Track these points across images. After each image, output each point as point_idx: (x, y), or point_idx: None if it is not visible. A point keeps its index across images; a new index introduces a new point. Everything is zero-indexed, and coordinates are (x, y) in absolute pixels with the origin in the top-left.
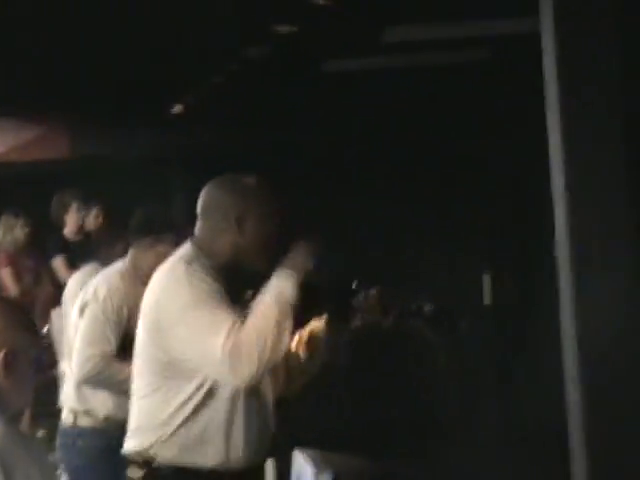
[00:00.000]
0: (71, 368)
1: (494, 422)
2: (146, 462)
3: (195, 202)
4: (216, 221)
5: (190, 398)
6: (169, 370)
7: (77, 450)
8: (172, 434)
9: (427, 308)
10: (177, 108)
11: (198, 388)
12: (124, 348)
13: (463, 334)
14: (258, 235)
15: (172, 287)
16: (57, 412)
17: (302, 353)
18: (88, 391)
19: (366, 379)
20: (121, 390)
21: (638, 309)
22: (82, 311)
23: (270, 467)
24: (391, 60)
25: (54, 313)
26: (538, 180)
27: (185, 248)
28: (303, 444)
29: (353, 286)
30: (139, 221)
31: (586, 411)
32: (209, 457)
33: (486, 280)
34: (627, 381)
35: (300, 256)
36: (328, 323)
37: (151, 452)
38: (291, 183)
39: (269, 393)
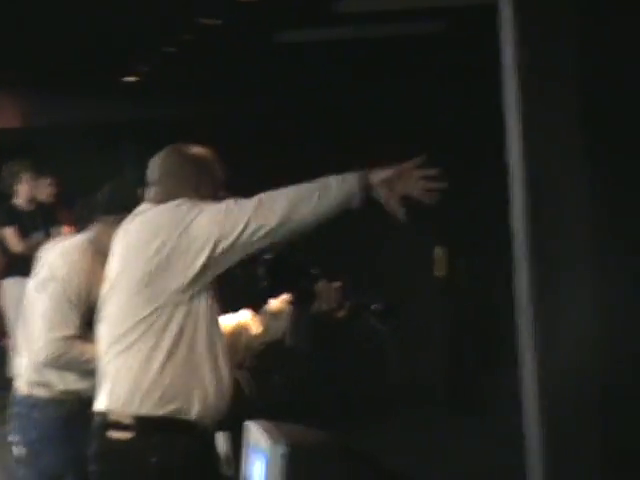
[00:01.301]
0: (28, 343)
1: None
2: (131, 423)
3: (145, 171)
4: (172, 187)
5: (175, 345)
6: (159, 307)
7: (33, 421)
8: (153, 386)
9: (374, 306)
10: (130, 77)
11: (173, 336)
12: (87, 324)
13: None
14: (211, 200)
15: (175, 211)
16: (6, 384)
17: (256, 328)
18: (46, 369)
19: (321, 361)
20: (84, 370)
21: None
22: (41, 289)
23: (221, 439)
24: (344, 32)
25: (5, 283)
26: (492, 152)
27: (144, 205)
28: (253, 417)
29: (313, 271)
30: (106, 197)
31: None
32: (194, 407)
33: (438, 252)
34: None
35: (384, 174)
36: (293, 301)
37: (137, 409)
38: (242, 154)
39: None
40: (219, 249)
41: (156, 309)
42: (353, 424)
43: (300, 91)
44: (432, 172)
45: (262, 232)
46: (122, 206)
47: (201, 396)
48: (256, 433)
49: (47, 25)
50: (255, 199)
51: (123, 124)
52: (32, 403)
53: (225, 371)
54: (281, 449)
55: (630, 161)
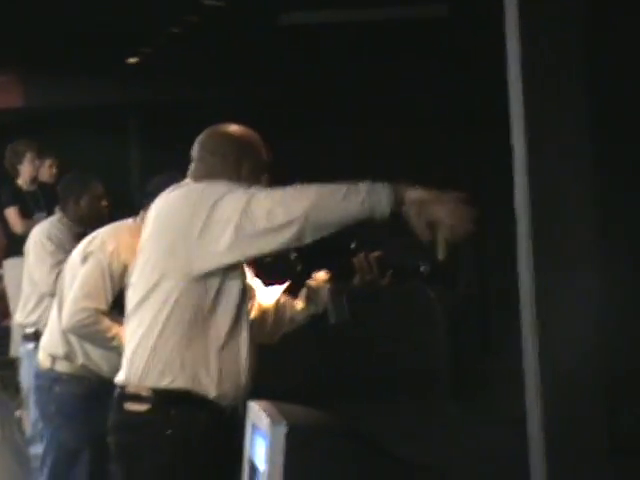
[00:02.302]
0: (60, 315)
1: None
2: (148, 395)
3: (150, 152)
4: (213, 164)
5: (193, 322)
6: (180, 283)
7: (54, 395)
8: (176, 362)
9: (423, 269)
10: (133, 58)
11: (196, 314)
12: (116, 305)
13: (462, 292)
14: (252, 181)
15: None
16: (7, 363)
17: (300, 302)
18: (73, 338)
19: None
20: (106, 347)
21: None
22: (85, 259)
23: None
24: (347, 14)
25: (7, 263)
26: (496, 140)
27: (184, 182)
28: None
29: (352, 246)
30: (155, 187)
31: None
32: (210, 387)
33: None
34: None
35: (419, 189)
36: (329, 279)
37: (154, 382)
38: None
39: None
40: (241, 234)
41: (174, 284)
42: (354, 406)
43: (303, 74)
44: (473, 211)
45: (285, 222)
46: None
47: (215, 376)
48: (257, 413)
49: (51, 6)
50: (280, 190)
51: (126, 105)
52: (54, 377)
53: (243, 356)
54: (282, 429)
55: (636, 161)
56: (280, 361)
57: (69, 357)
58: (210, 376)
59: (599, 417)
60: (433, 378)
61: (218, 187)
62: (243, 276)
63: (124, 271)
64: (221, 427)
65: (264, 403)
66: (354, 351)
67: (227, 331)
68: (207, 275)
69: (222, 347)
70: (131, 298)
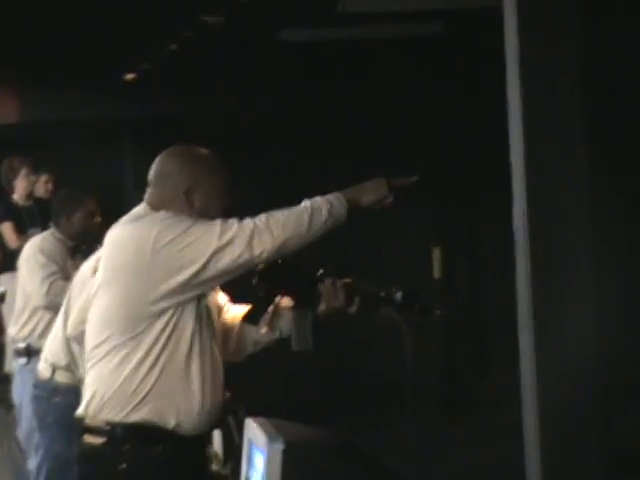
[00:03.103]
0: (66, 324)
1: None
2: (104, 428)
3: (147, 170)
4: (165, 190)
5: (147, 355)
6: (137, 321)
7: (53, 406)
8: (131, 395)
9: (397, 296)
10: (131, 74)
11: (152, 346)
12: None
13: (437, 319)
14: (205, 209)
15: (159, 224)
16: (1, 378)
17: (263, 327)
18: (75, 348)
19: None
20: None
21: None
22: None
23: (217, 436)
24: (345, 31)
25: (1, 278)
26: (490, 154)
27: (142, 210)
28: (252, 413)
29: (319, 272)
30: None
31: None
32: (168, 418)
33: (436, 254)
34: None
35: (369, 188)
36: (293, 306)
37: (110, 415)
38: (243, 153)
39: (220, 359)
40: (204, 275)
41: (133, 321)
42: (349, 422)
43: (302, 90)
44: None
45: (251, 262)
46: None
47: (175, 407)
48: (255, 430)
49: (49, 21)
50: (248, 229)
51: (123, 121)
52: (53, 387)
53: (205, 385)
54: (279, 446)
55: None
56: (264, 376)
57: (69, 368)
58: (169, 407)
59: (594, 430)
60: (427, 394)
61: (175, 222)
62: (199, 305)
63: None
64: (182, 457)
65: (261, 420)
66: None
67: (184, 362)
68: (163, 313)
69: (180, 378)
70: (89, 333)
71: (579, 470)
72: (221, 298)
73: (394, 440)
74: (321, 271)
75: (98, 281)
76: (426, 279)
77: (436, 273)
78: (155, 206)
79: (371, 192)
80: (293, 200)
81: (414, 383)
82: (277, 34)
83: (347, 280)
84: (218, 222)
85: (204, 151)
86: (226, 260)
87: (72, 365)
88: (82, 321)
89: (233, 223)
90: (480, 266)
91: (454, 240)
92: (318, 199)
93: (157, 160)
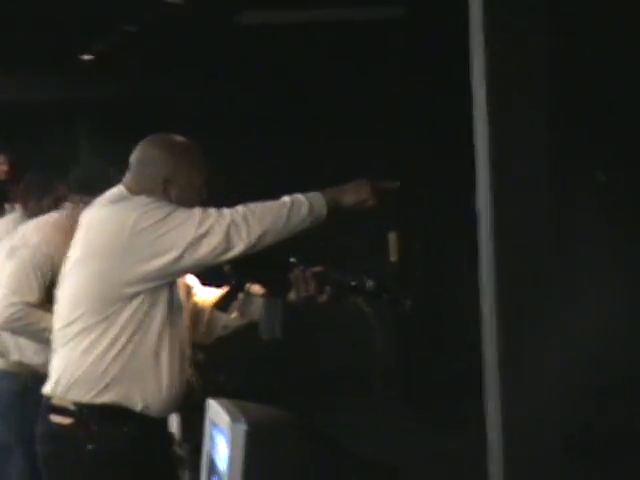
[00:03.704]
0: None
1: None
2: (72, 409)
3: (102, 151)
4: (144, 177)
5: (117, 338)
6: (109, 303)
7: None
8: (100, 376)
9: (369, 284)
10: (88, 55)
11: (123, 329)
12: (47, 298)
13: (407, 310)
14: (184, 198)
15: (140, 208)
16: None
17: (234, 312)
18: (5, 334)
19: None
20: (40, 339)
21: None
22: (10, 255)
23: (174, 417)
24: (304, 15)
25: None
26: (448, 137)
27: (119, 190)
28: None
29: (291, 260)
30: (76, 178)
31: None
32: (136, 400)
33: (392, 238)
34: None
35: (350, 189)
36: (264, 294)
37: (76, 393)
38: (200, 137)
39: (188, 342)
40: (180, 263)
41: (105, 302)
42: (310, 405)
43: (260, 74)
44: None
45: (227, 254)
46: (91, 186)
47: (143, 390)
48: (217, 411)
49: (2, 1)
50: (226, 221)
51: (79, 103)
52: None
53: (173, 370)
54: (243, 427)
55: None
56: (226, 360)
57: (2, 353)
58: (134, 392)
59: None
60: (383, 379)
61: (154, 209)
62: (171, 290)
63: (50, 264)
64: (150, 439)
65: (223, 401)
66: (298, 351)
67: (155, 346)
68: (136, 294)
69: (149, 361)
70: (59, 313)
71: None
72: (190, 279)
73: (351, 423)
74: (292, 260)
75: (71, 261)
76: (382, 263)
77: (392, 257)
78: (133, 191)
79: (352, 194)
80: (257, 185)
81: (368, 367)
82: (236, 16)
83: (318, 269)
84: (198, 211)
85: (187, 142)
86: (203, 250)
87: (4, 351)
88: (6, 308)
89: (211, 213)
90: (436, 250)
91: (410, 224)
92: (299, 196)
93: (139, 146)
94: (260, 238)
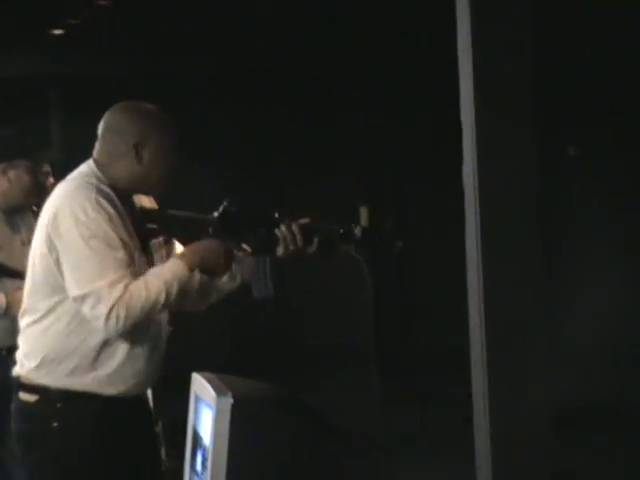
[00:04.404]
0: None
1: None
2: (38, 387)
3: (73, 127)
4: (114, 145)
5: (83, 319)
6: (63, 292)
7: None
8: (65, 357)
9: (357, 230)
10: (58, 30)
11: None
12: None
13: (398, 251)
14: (155, 164)
15: (72, 209)
16: None
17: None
18: None
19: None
20: None
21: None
22: None
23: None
24: None
25: None
26: (421, 116)
27: (86, 166)
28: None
29: (275, 215)
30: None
31: None
32: (109, 387)
33: (363, 212)
34: None
35: (200, 254)
36: (252, 252)
37: (44, 376)
38: (172, 111)
39: (164, 317)
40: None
41: (57, 285)
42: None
43: (227, 49)
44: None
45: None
46: (10, 153)
47: (119, 375)
48: (202, 384)
49: None
50: (114, 295)
51: (49, 78)
52: None
53: (150, 349)
54: (228, 400)
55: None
56: (209, 334)
57: None
58: (113, 376)
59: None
60: (356, 354)
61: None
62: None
63: None
64: (118, 416)
65: (208, 374)
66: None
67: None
68: None
69: (125, 344)
70: (25, 295)
71: None
72: (178, 248)
73: (329, 398)
74: (276, 215)
75: (34, 242)
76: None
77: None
78: (102, 163)
79: (209, 261)
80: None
81: (343, 342)
82: None
83: (304, 221)
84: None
85: (154, 108)
86: (84, 308)
87: None
88: None
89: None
90: (407, 225)
91: (381, 199)
92: (168, 277)
93: (106, 115)
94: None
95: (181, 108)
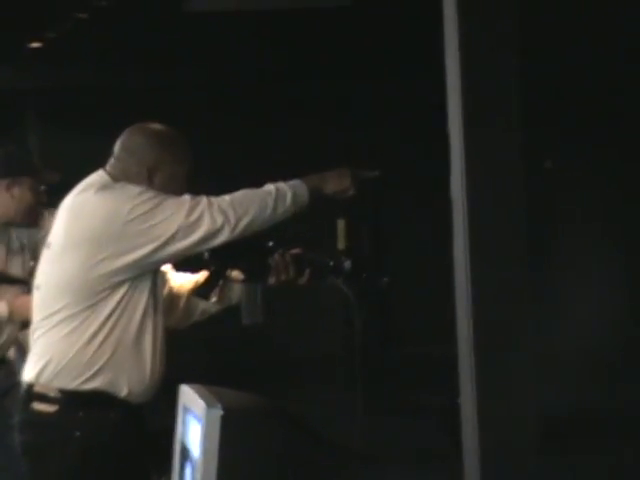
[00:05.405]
0: None
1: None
2: (57, 396)
3: (51, 141)
4: (128, 165)
5: (102, 327)
6: (95, 291)
7: None
8: (85, 365)
9: (346, 264)
10: (36, 43)
11: (108, 317)
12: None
13: (385, 289)
14: (167, 188)
15: (133, 198)
16: None
17: (213, 297)
18: None
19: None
20: None
21: None
22: None
23: None
24: (250, 3)
25: None
26: (400, 125)
27: (100, 177)
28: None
29: (269, 244)
30: (1, 161)
31: None
32: (121, 387)
33: (340, 225)
34: None
35: (332, 178)
36: (244, 279)
37: (61, 381)
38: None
39: (164, 328)
40: (167, 250)
41: (91, 291)
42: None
43: (210, 61)
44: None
45: (213, 242)
46: (14, 170)
47: (128, 376)
48: (191, 396)
49: None
50: (214, 210)
51: (27, 91)
52: None
53: (155, 355)
54: (217, 412)
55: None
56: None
57: None
58: (122, 378)
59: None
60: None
61: (139, 196)
62: (155, 276)
63: None
64: (131, 425)
65: (196, 386)
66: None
67: (137, 333)
68: (121, 283)
69: (133, 349)
70: (40, 301)
71: None
72: (172, 277)
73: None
74: (270, 243)
75: (52, 249)
76: (330, 250)
77: (340, 244)
78: (115, 177)
79: (334, 182)
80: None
81: (318, 355)
82: (184, 4)
83: (296, 251)
84: (188, 199)
85: (172, 132)
86: (192, 238)
87: None
88: None
89: (200, 201)
90: (384, 237)
91: (358, 212)
92: (282, 185)
93: (125, 134)
94: (246, 227)
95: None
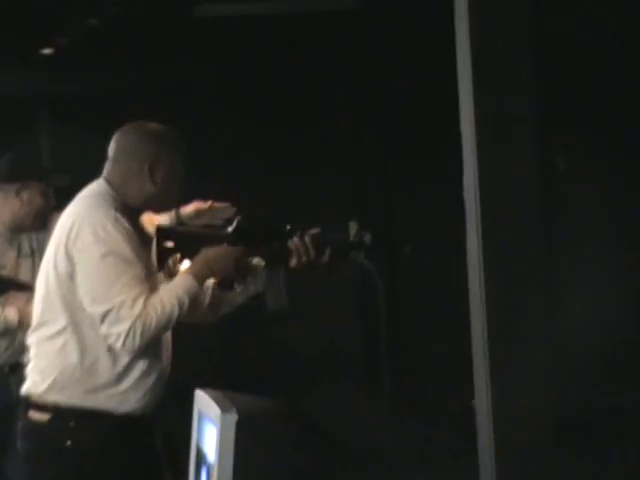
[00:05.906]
0: None
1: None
2: (51, 405)
3: (63, 146)
4: (128, 166)
5: (94, 340)
6: (78, 307)
7: None
8: (81, 375)
9: (366, 238)
10: (47, 49)
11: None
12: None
13: (407, 258)
14: (168, 183)
15: (93, 226)
16: None
17: (237, 287)
18: None
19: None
20: None
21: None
22: None
23: None
24: (262, 7)
25: None
26: (411, 130)
27: (98, 185)
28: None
29: (287, 228)
30: (5, 166)
31: None
32: (121, 405)
33: (352, 227)
34: None
35: (216, 264)
36: (265, 265)
37: (58, 394)
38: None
39: (169, 336)
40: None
41: (73, 306)
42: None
43: (220, 66)
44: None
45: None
46: (24, 175)
47: (129, 394)
48: (206, 401)
49: None
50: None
51: (38, 97)
52: None
53: (159, 367)
54: (233, 417)
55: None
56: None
57: None
58: (123, 394)
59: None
60: (351, 365)
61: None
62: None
63: None
64: (129, 432)
65: (212, 391)
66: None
67: (132, 353)
68: None
69: (128, 369)
70: (36, 311)
71: None
72: (185, 264)
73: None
74: (288, 227)
75: (45, 258)
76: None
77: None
78: (115, 183)
79: (219, 267)
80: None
81: (333, 355)
82: (196, 9)
83: (314, 231)
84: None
85: (164, 127)
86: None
87: None
88: None
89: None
90: (397, 239)
91: (371, 214)
92: (182, 296)
93: (118, 136)
94: (147, 337)
95: (172, 124)
